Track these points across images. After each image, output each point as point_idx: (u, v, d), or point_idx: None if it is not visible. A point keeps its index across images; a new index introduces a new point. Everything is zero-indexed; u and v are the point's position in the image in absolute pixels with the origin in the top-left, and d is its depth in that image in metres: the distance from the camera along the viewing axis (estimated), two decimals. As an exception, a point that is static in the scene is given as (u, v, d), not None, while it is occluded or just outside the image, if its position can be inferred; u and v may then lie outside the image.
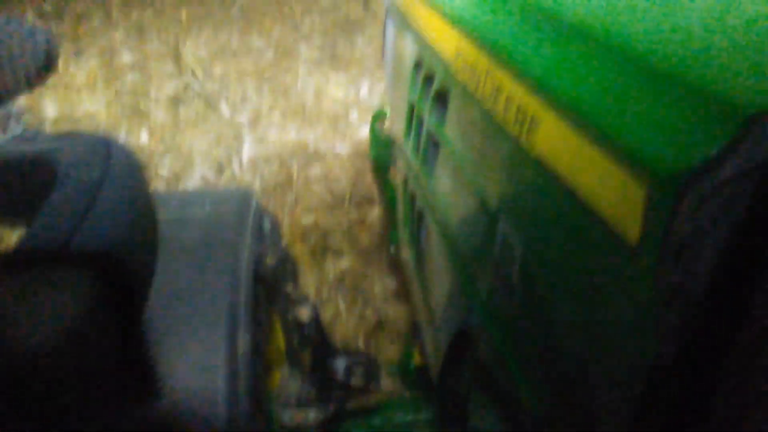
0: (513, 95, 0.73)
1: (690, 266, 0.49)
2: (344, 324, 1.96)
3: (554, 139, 0.65)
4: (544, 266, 0.68)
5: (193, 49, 4.24)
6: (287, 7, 4.83)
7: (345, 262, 2.20)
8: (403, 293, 2.05)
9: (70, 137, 0.70)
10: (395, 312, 2.01)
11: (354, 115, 3.43)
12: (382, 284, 2.10)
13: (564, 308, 0.65)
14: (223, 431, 0.81)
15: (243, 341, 0.92)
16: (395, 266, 2.06)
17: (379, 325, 1.97)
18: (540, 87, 0.69)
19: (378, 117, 2.11)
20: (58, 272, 0.53)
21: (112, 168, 0.62)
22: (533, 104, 0.69)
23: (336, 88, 3.68)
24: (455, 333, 1.02)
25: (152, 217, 0.70)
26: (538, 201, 0.69)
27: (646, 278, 0.52)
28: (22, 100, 0.87)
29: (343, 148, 3.05)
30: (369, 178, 2.60)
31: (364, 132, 2.97)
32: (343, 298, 2.05)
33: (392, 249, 2.02)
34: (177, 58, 4.08)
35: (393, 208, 1.87)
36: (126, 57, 4.13)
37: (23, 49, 0.75)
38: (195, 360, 0.86)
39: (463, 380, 1.13)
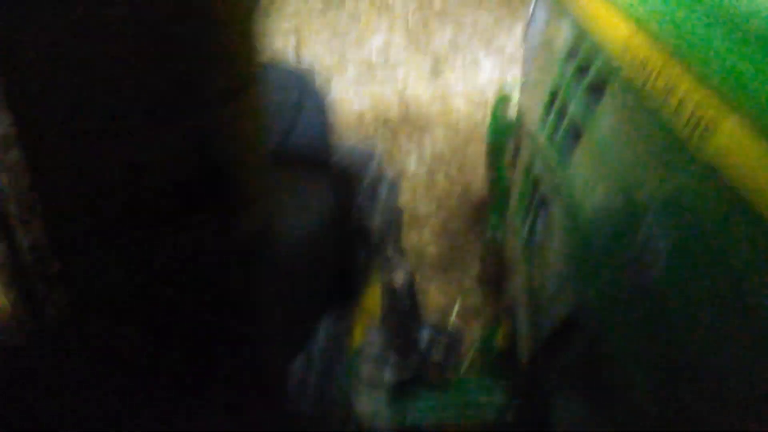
0: (688, 97, 0.72)
1: None
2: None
3: (730, 145, 0.64)
4: (694, 269, 0.68)
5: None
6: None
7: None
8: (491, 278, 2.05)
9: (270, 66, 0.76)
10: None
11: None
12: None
13: (708, 314, 0.65)
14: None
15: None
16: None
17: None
18: (721, 92, 0.68)
19: (502, 101, 2.10)
20: (314, 174, 0.59)
21: (308, 92, 0.68)
22: (711, 109, 0.68)
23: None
24: (563, 320, 1.03)
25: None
26: (701, 204, 0.68)
27: None
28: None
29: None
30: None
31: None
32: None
33: (489, 232, 2.03)
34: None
35: (501, 193, 1.87)
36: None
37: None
38: None
39: (556, 369, 1.14)
